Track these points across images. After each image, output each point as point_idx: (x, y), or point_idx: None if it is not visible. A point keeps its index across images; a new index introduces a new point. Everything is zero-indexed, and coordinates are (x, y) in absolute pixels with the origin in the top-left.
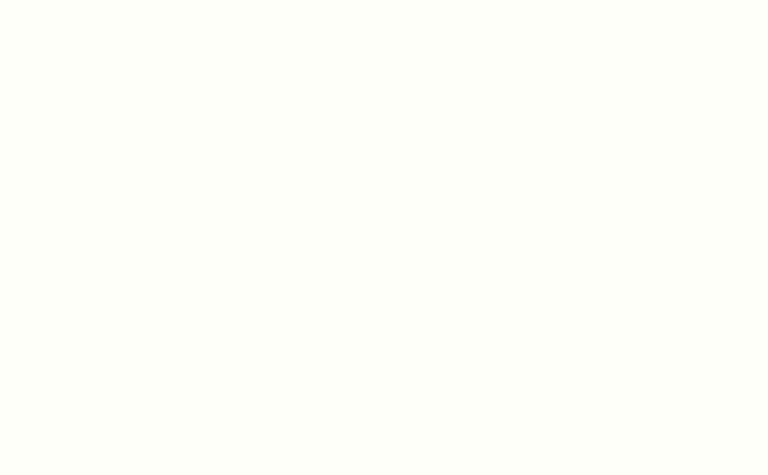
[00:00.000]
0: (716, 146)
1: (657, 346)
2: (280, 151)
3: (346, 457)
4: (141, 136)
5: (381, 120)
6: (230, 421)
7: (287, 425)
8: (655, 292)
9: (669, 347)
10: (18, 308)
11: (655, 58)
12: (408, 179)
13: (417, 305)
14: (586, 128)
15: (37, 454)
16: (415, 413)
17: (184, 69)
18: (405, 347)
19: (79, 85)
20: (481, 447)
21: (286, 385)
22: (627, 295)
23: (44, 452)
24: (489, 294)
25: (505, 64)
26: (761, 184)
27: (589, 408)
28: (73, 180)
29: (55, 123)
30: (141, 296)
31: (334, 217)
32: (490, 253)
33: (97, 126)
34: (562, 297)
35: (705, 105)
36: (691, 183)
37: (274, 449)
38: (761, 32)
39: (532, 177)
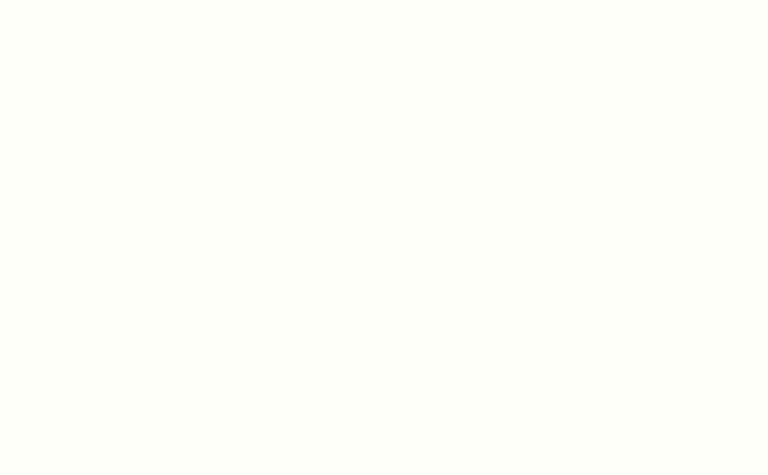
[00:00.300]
0: (716, 146)
1: (657, 346)
2: (280, 151)
3: (345, 457)
4: (141, 137)
5: (381, 120)
6: (230, 421)
7: (287, 425)
8: (655, 292)
9: (669, 347)
10: (18, 308)
11: (655, 58)
12: (408, 179)
13: (416, 305)
14: (586, 128)
15: (37, 454)
16: (414, 413)
17: (185, 69)
18: (404, 348)
19: (79, 85)
20: (480, 447)
21: (286, 385)
22: (627, 295)
23: (44, 453)
24: (489, 294)
25: (505, 64)
26: (761, 184)
27: (589, 408)
28: (73, 180)
29: (55, 123)
30: (141, 295)
31: (334, 217)
32: (490, 253)
33: (97, 126)
34: (562, 297)
35: (705, 105)
36: (691, 183)
37: (274, 449)
38: (761, 32)
39: (532, 177)
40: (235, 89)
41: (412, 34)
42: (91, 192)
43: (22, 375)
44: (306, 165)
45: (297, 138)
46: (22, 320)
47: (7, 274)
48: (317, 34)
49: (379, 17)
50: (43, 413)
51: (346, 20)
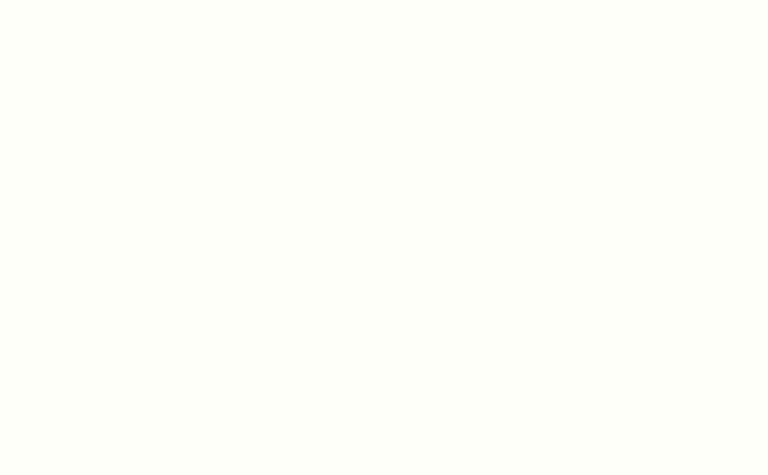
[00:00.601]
0: (716, 146)
1: (657, 346)
2: (280, 151)
3: (345, 457)
4: (141, 137)
5: (381, 120)
6: (230, 421)
7: (287, 425)
8: (655, 292)
9: (669, 348)
10: (18, 308)
11: (655, 58)
12: (408, 179)
13: (416, 305)
14: (586, 128)
15: (37, 454)
16: (414, 413)
17: (185, 69)
18: (404, 348)
19: (79, 85)
20: (480, 447)
21: (286, 385)
22: (627, 295)
23: (44, 453)
24: (489, 294)
25: (505, 64)
26: (761, 184)
27: (589, 408)
28: (73, 180)
29: (55, 123)
30: (141, 295)
31: (334, 217)
32: (490, 253)
33: (97, 126)
34: (562, 297)
35: (705, 105)
36: (691, 183)
37: (274, 450)
38: (761, 32)
39: (532, 177)
40: (236, 89)
41: (412, 34)
42: (91, 192)
43: (22, 375)
44: (306, 165)
45: (297, 138)
46: (22, 319)
47: (7, 274)
48: (317, 34)
49: (379, 17)
50: (43, 413)
51: (346, 20)
